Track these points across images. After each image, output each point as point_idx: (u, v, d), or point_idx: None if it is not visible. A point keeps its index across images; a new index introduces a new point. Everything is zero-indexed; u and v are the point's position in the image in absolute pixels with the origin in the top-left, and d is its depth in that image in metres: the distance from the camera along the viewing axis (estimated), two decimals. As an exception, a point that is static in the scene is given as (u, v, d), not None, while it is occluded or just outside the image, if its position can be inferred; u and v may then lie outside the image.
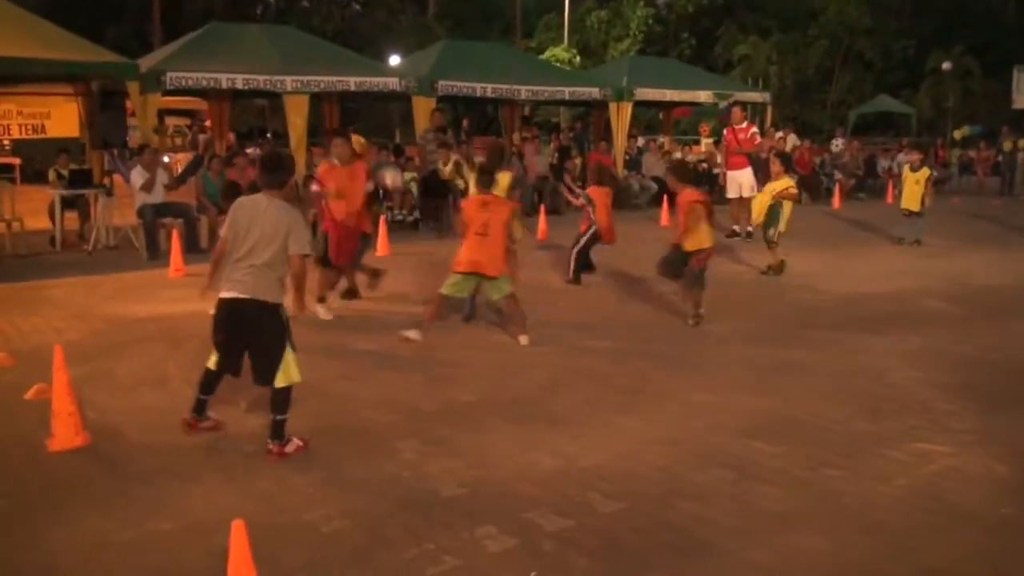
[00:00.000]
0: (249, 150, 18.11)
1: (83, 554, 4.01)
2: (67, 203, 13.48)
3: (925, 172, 13.72)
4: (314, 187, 8.85)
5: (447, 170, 14.24)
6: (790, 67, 48.26)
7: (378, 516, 4.37)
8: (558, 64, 35.04)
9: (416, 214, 15.52)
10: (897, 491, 4.68)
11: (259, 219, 5.05)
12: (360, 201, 8.64)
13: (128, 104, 15.08)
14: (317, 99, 17.61)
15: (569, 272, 10.41)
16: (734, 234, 14.07)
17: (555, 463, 5.00)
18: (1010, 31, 49.22)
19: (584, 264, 10.48)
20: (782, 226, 10.95)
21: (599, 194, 10.34)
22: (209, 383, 5.41)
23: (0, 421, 5.81)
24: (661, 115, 27.19)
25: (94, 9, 35.57)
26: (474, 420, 5.76)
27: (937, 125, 44.58)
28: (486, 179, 8.01)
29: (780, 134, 21.60)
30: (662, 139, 22.93)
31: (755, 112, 23.63)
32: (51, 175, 13.76)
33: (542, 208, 15.56)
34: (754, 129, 15.13)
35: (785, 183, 10.92)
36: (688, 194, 8.44)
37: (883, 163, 23.63)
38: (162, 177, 12.82)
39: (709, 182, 20.65)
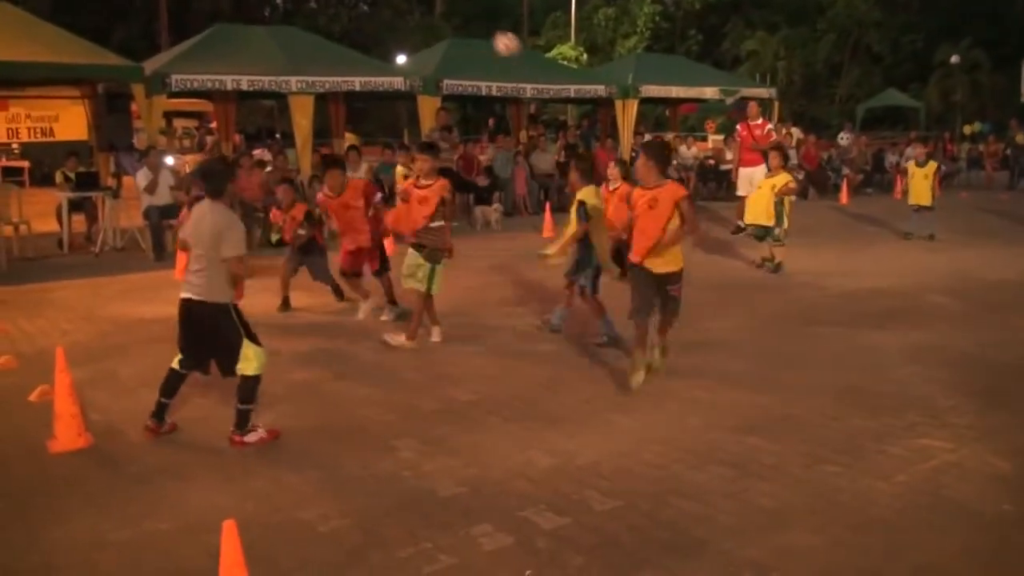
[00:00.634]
0: (256, 151, 18.19)
1: (81, 554, 4.04)
2: (74, 206, 13.57)
3: (932, 166, 13.68)
4: (319, 195, 8.84)
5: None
6: (798, 62, 48.12)
7: (375, 515, 4.39)
8: (565, 62, 35.04)
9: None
10: (895, 487, 4.67)
11: (200, 225, 5.33)
12: (363, 224, 8.51)
13: (134, 106, 15.20)
14: (323, 99, 17.66)
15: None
16: (739, 230, 14.00)
17: (552, 461, 5.01)
18: (1019, 24, 48.96)
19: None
20: (786, 223, 10.94)
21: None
22: (171, 385, 5.54)
23: (3, 423, 5.87)
24: (668, 112, 27.18)
25: (101, 10, 35.70)
26: (472, 419, 5.77)
27: (946, 119, 44.40)
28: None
29: (785, 130, 21.52)
30: (669, 136, 22.89)
31: (763, 108, 23.54)
32: (58, 178, 13.86)
33: (547, 206, 15.54)
34: (770, 126, 15.04)
35: (784, 178, 10.87)
36: (674, 189, 6.31)
37: (891, 158, 23.54)
38: (167, 179, 12.87)
39: (716, 178, 20.66)
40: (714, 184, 20.83)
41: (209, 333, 5.35)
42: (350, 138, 19.18)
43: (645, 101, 21.23)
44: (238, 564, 3.34)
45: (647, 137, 21.72)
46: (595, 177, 9.94)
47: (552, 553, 3.97)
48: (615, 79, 20.20)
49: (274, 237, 12.81)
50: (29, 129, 24.33)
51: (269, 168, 15.34)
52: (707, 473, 4.83)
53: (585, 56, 41.86)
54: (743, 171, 14.03)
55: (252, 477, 4.87)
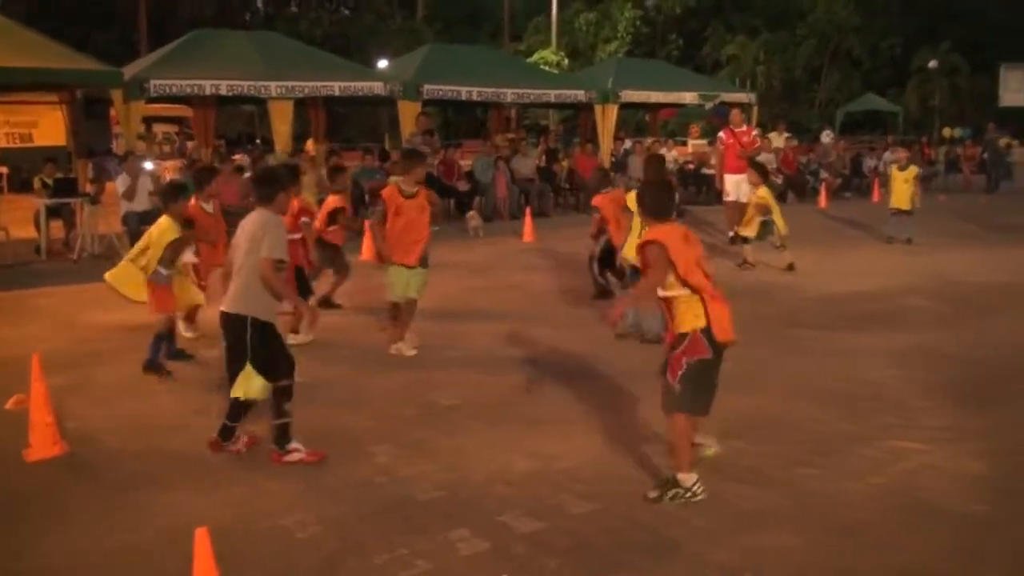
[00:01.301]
0: (236, 157, 18.14)
1: (59, 564, 4.02)
2: (52, 212, 13.47)
3: (913, 170, 13.73)
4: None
5: None
6: (778, 67, 48.50)
7: (352, 521, 4.39)
8: (546, 66, 35.12)
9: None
10: (870, 489, 4.71)
11: (240, 234, 5.16)
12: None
13: (113, 112, 15.15)
14: (303, 105, 17.63)
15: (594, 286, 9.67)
16: (733, 240, 13.96)
17: (531, 465, 5.03)
18: (997, 29, 49.50)
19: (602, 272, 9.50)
20: (782, 228, 11.00)
21: (605, 201, 9.05)
22: (233, 410, 5.25)
23: (-22, 431, 5.82)
24: (648, 117, 27.28)
25: (82, 15, 35.54)
26: (452, 423, 5.78)
27: (924, 123, 44.83)
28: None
29: (774, 133, 21.61)
30: (649, 140, 22.97)
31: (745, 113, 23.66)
32: (36, 184, 13.76)
33: (528, 210, 15.55)
34: (756, 131, 15.08)
35: (763, 193, 10.99)
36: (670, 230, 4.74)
37: (869, 162, 23.69)
38: (146, 184, 12.81)
39: (697, 183, 20.75)
40: (694, 188, 20.92)
41: (230, 346, 5.12)
42: (310, 146, 19.16)
43: (625, 106, 21.29)
44: (210, 571, 3.33)
45: (627, 142, 21.83)
46: (595, 185, 9.87)
47: (527, 557, 3.99)
48: (595, 84, 20.27)
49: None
50: (7, 135, 24.32)
51: (249, 174, 15.31)
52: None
53: (566, 61, 41.95)
54: (729, 177, 14.02)
55: (230, 484, 4.86)
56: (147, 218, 12.60)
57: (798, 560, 3.96)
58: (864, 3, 50.31)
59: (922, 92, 47.48)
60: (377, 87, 16.87)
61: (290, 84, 15.44)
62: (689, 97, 22.06)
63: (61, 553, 4.12)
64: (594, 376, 6.82)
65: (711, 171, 18.20)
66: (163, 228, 7.04)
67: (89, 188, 13.96)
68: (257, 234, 5.02)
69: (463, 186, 17.38)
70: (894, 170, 14.04)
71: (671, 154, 21.39)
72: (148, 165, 13.90)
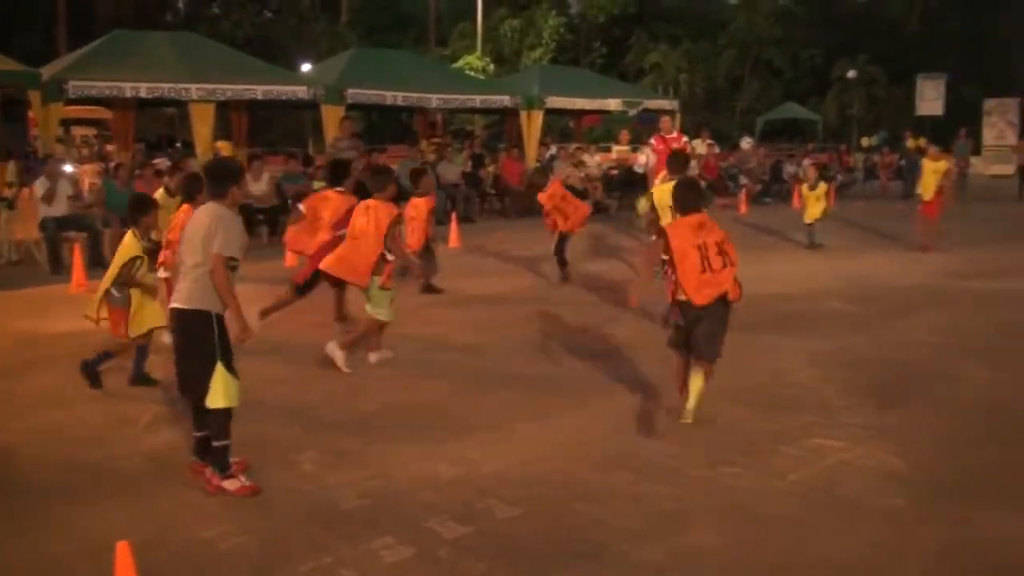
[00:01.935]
0: (157, 161, 17.72)
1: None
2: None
3: (823, 188, 14.05)
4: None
5: None
6: (700, 75, 49.31)
7: (277, 531, 4.30)
8: (472, 72, 35.14)
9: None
10: (791, 486, 4.80)
11: (191, 229, 4.87)
12: None
13: (31, 114, 14.72)
14: (225, 108, 17.34)
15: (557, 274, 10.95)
16: None
17: (457, 471, 5.00)
18: (913, 41, 51.24)
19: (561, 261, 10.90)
20: None
21: (545, 198, 10.72)
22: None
23: None
24: (572, 123, 27.49)
25: (2, 15, 34.42)
26: (377, 430, 5.71)
27: (842, 131, 45.99)
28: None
29: (698, 141, 21.91)
30: (573, 146, 23.15)
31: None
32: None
33: (453, 216, 15.50)
34: (685, 138, 15.28)
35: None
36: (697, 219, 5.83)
37: (789, 168, 24.22)
38: (65, 188, 12.43)
39: (621, 188, 20.92)
40: (619, 193, 21.10)
41: (183, 343, 4.81)
42: (223, 147, 18.87)
43: (550, 112, 21.42)
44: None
45: (552, 149, 21.94)
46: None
47: (453, 562, 3.96)
48: (521, 90, 20.35)
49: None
50: (-80, 138, 23.29)
51: (167, 178, 14.96)
52: (610, 478, 4.88)
53: (492, 66, 42.03)
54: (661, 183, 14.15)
55: (151, 497, 4.72)
56: (65, 224, 12.26)
57: (722, 558, 4.01)
58: (784, 15, 51.57)
59: (841, 101, 48.78)
60: (300, 91, 16.68)
61: (211, 87, 15.17)
62: (613, 104, 22.30)
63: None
64: (519, 381, 6.81)
65: (641, 169, 18.33)
66: (126, 244, 6.57)
67: (7, 192, 13.49)
68: (211, 228, 4.72)
69: (388, 191, 17.21)
70: (805, 190, 14.43)
71: (595, 159, 21.54)
72: (68, 168, 13.52)
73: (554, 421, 5.88)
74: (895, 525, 4.36)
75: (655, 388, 6.57)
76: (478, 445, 5.40)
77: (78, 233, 12.32)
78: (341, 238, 7.49)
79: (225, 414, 4.73)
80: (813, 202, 14.02)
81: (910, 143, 25.12)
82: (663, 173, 11.20)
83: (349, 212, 7.57)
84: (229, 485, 4.70)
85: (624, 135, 22.76)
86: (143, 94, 14.96)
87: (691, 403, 5.70)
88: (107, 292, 6.53)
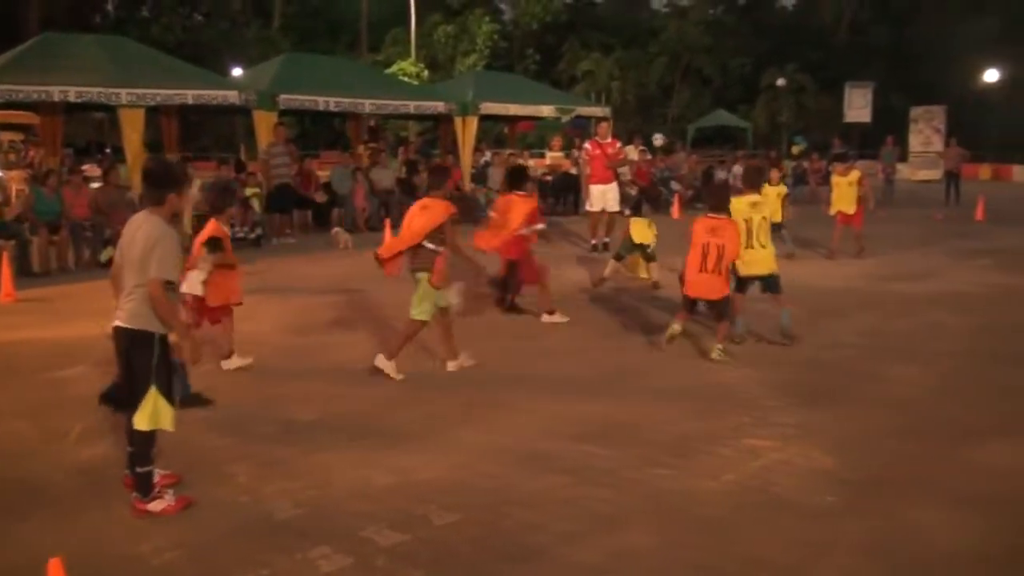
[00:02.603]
0: (85, 167, 17.33)
1: None
2: None
3: (782, 189, 13.79)
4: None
5: None
6: (632, 83, 49.88)
7: (211, 544, 4.23)
8: (405, 78, 35.05)
9: (258, 230, 15.16)
10: (725, 486, 4.88)
11: (130, 240, 4.58)
12: None
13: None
14: (156, 113, 17.02)
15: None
16: (595, 248, 14.13)
17: (392, 479, 4.97)
18: (841, 50, 52.58)
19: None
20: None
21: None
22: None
23: None
24: (507, 129, 27.57)
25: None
26: (311, 440, 5.65)
27: (772, 138, 46.90)
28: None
29: (631, 147, 22.13)
30: (507, 152, 23.22)
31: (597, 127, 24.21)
32: None
33: (387, 222, 15.40)
34: (620, 143, 15.39)
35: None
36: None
37: (720, 175, 24.57)
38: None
39: (555, 193, 21.04)
40: (553, 199, 21.21)
41: (124, 364, 4.56)
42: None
43: (485, 118, 21.45)
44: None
45: (487, 154, 21.97)
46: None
47: (390, 570, 3.95)
48: (455, 96, 20.35)
49: (104, 256, 12.22)
50: None
51: (97, 184, 14.66)
52: (544, 482, 4.91)
53: (426, 72, 41.98)
54: (595, 187, 14.24)
55: (83, 512, 4.61)
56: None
57: (657, 559, 4.06)
58: (714, 24, 52.51)
59: (771, 109, 49.78)
60: (232, 96, 16.42)
61: (141, 91, 14.84)
62: (547, 110, 22.42)
63: None
64: (453, 388, 6.80)
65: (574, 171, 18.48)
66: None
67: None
68: (147, 248, 4.44)
69: (320, 198, 17.11)
70: (767, 187, 13.87)
71: (528, 165, 21.60)
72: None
73: (488, 426, 5.89)
74: (825, 521, 4.47)
75: (586, 391, 6.63)
76: (414, 452, 5.38)
77: (6, 242, 11.97)
78: (523, 236, 8.85)
79: (148, 437, 4.52)
80: (774, 199, 13.05)
81: (795, 150, 25.70)
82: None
83: (532, 213, 8.98)
84: (154, 507, 4.55)
85: (556, 141, 22.88)
86: (72, 98, 14.56)
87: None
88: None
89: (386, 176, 18.31)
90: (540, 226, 9.17)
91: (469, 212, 18.91)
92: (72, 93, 14.44)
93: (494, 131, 36.50)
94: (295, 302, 10.13)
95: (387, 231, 14.71)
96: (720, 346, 7.55)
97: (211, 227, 6.98)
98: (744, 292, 8.24)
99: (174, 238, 4.59)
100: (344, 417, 6.12)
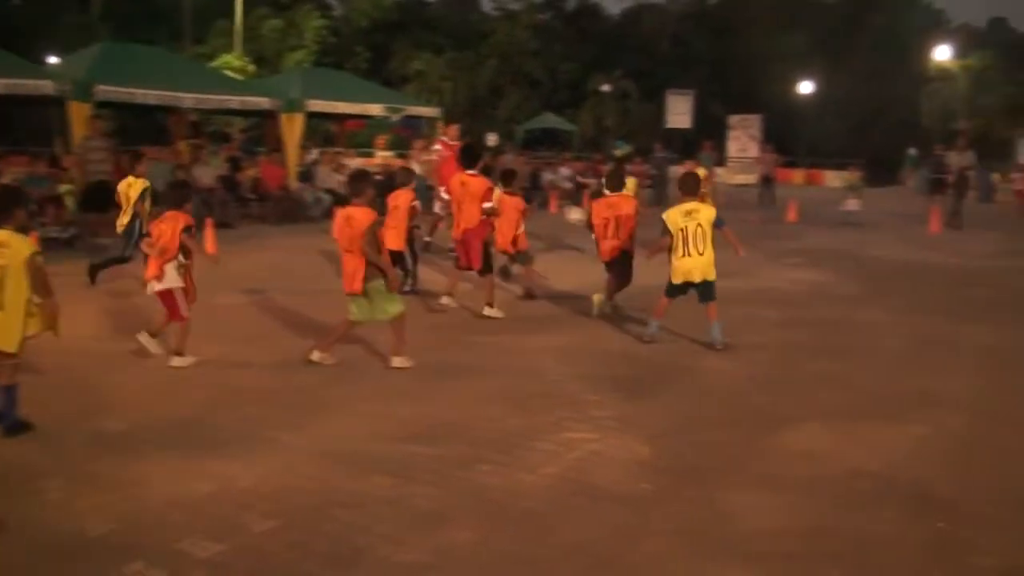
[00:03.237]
0: None
1: None
2: None
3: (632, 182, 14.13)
4: None
5: None
6: (462, 84, 50.19)
7: (17, 565, 4.00)
8: (230, 72, 33.98)
9: (72, 230, 14.36)
10: (544, 479, 5.03)
11: None
12: None
13: None
14: (-37, 102, 15.91)
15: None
16: (427, 247, 14.05)
17: (211, 487, 4.83)
18: (664, 59, 54.73)
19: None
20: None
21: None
22: None
23: None
24: (335, 127, 27.22)
25: None
26: (125, 449, 5.41)
27: (598, 141, 48.24)
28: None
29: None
30: (335, 151, 22.93)
31: (429, 126, 24.26)
32: None
33: (209, 221, 14.86)
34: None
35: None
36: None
37: (547, 176, 25.14)
38: None
39: (382, 193, 20.90)
40: (381, 200, 21.10)
41: None
42: None
43: (312, 116, 21.10)
44: None
45: (315, 153, 21.60)
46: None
47: (207, 582, 3.85)
48: (281, 92, 19.91)
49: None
50: None
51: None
52: (368, 483, 4.91)
53: (252, 67, 40.84)
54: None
55: None
56: None
57: (479, 553, 4.15)
58: (543, 29, 53.56)
59: (596, 113, 51.25)
60: (46, 86, 15.47)
61: (-56, 79, 13.83)
62: (376, 109, 22.27)
63: None
64: (273, 392, 6.68)
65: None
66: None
67: None
68: None
69: (139, 195, 16.37)
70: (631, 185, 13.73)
71: (355, 164, 21.37)
72: None
73: (311, 429, 5.82)
74: (639, 508, 4.68)
75: (411, 391, 6.67)
76: (233, 458, 5.25)
77: None
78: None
79: None
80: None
81: (618, 153, 26.68)
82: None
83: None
84: None
85: (380, 140, 22.72)
86: None
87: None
88: None
89: (208, 173, 17.71)
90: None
91: (295, 212, 18.64)
92: None
93: (322, 129, 35.94)
94: (108, 305, 9.69)
95: (209, 230, 14.21)
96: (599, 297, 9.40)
97: (182, 218, 7.31)
98: (673, 297, 8.31)
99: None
100: (160, 424, 5.89)
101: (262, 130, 23.52)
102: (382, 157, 22.55)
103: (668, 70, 52.50)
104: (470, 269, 9.62)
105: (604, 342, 8.39)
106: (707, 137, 30.10)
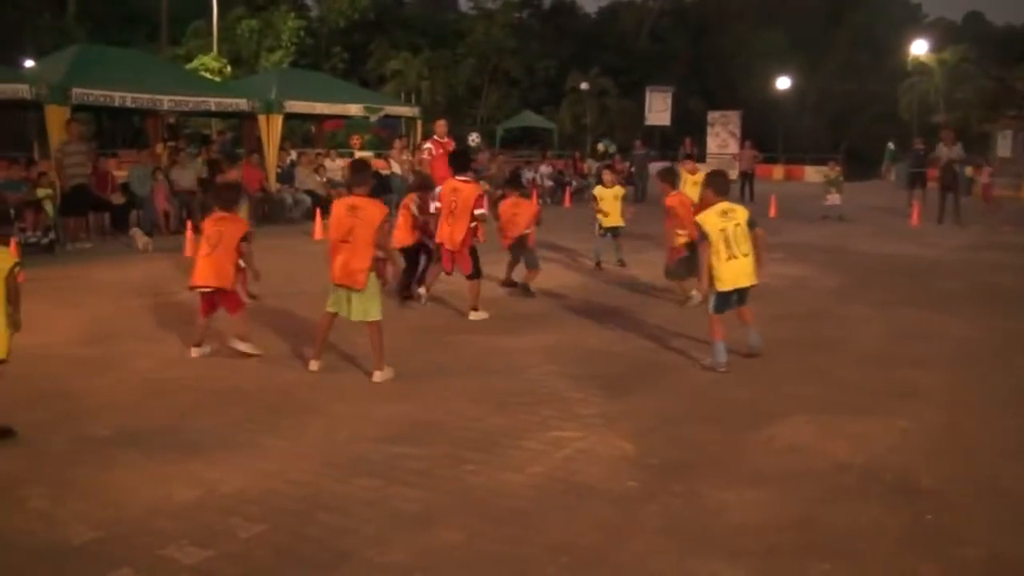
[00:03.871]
0: None
1: None
2: None
3: (619, 191, 13.48)
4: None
5: None
6: (441, 83, 50.14)
7: (3, 574, 3.97)
8: (207, 74, 33.85)
9: (51, 235, 14.23)
10: (530, 478, 5.03)
11: None
12: None
13: None
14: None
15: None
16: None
17: (195, 493, 4.80)
18: (643, 57, 54.93)
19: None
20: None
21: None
22: None
23: None
24: (314, 128, 27.13)
25: None
26: (107, 456, 5.36)
27: (577, 139, 48.34)
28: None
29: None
30: (315, 152, 22.86)
31: (407, 126, 24.24)
32: None
33: (189, 224, 14.79)
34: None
35: None
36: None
37: (527, 174, 25.12)
38: None
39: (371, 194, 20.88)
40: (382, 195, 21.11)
41: None
42: None
43: (291, 117, 21.03)
44: None
45: (293, 154, 21.51)
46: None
47: (193, 587, 3.83)
48: (259, 93, 19.80)
49: None
50: None
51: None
52: (353, 485, 4.89)
53: (229, 68, 40.64)
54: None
55: None
56: None
57: (465, 553, 4.14)
58: (520, 27, 53.59)
59: (575, 111, 51.34)
60: (22, 89, 15.27)
61: (-83, 84, 13.66)
62: (355, 109, 22.24)
63: None
64: (257, 395, 6.64)
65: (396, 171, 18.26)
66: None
67: None
68: None
69: (118, 199, 16.30)
70: (601, 189, 13.53)
71: (336, 163, 21.32)
72: None
73: (295, 433, 5.79)
74: (626, 505, 4.68)
75: (393, 392, 6.66)
76: (216, 463, 5.22)
77: None
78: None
79: None
80: (611, 201, 13.15)
81: (601, 147, 26.82)
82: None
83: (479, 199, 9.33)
84: None
85: (356, 140, 22.65)
86: None
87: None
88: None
89: (187, 176, 17.59)
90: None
91: (275, 213, 18.57)
92: None
93: (301, 130, 35.82)
94: (90, 310, 9.60)
95: (189, 232, 14.14)
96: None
97: (242, 225, 7.70)
98: (724, 311, 7.41)
99: None
100: (143, 430, 5.84)
101: (240, 131, 23.37)
102: (359, 157, 22.47)
103: (646, 67, 52.76)
104: (448, 272, 9.64)
105: (587, 340, 8.40)
106: (686, 133, 30.20)
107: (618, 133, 44.55)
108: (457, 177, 9.52)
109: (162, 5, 44.44)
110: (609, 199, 13.20)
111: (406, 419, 6.03)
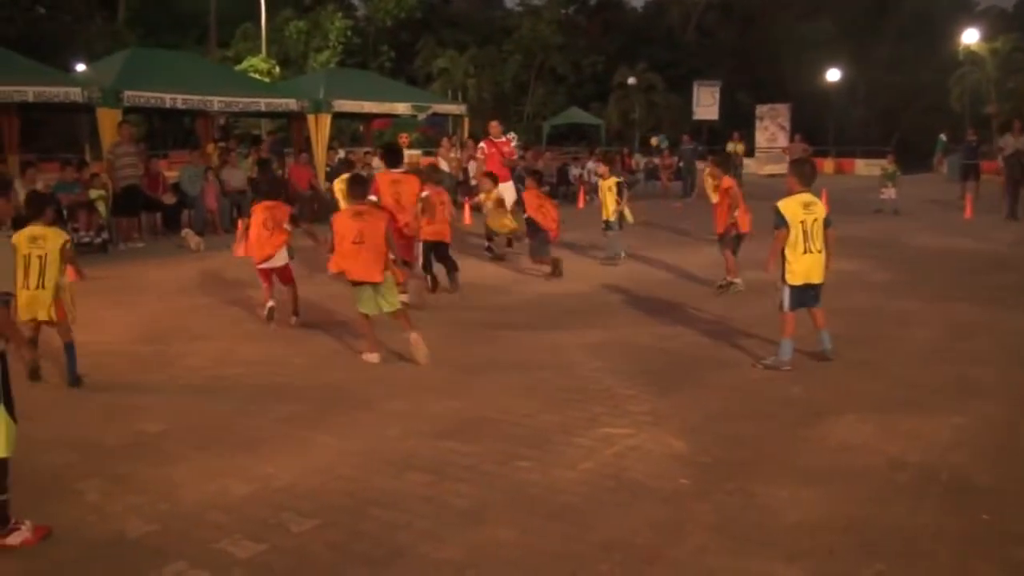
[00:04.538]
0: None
1: None
2: None
3: (612, 182, 13.27)
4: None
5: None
6: (487, 80, 50.25)
7: (59, 568, 4.03)
8: (256, 75, 34.26)
9: (104, 235, 14.51)
10: (581, 475, 5.00)
11: None
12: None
13: None
14: (-5, 110, 16.10)
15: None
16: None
17: (248, 487, 4.85)
18: (690, 51, 54.50)
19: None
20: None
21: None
22: None
23: None
24: (362, 127, 27.30)
25: None
26: (161, 451, 5.44)
27: (625, 135, 48.14)
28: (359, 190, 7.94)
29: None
30: (363, 150, 23.00)
31: (454, 124, 24.31)
32: None
33: (240, 223, 14.95)
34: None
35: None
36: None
37: (575, 171, 25.10)
38: None
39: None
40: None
41: None
42: None
43: (339, 116, 21.19)
44: None
45: (341, 153, 21.66)
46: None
47: (248, 581, 3.86)
48: (307, 93, 19.99)
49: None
50: None
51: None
52: (404, 481, 4.91)
53: (278, 69, 41.12)
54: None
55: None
56: None
57: (517, 550, 4.12)
58: (566, 23, 53.48)
59: (622, 107, 51.13)
60: (74, 93, 15.62)
61: (-22, 89, 13.98)
62: (402, 108, 22.34)
63: None
64: (308, 391, 6.70)
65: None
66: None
67: None
68: None
69: (169, 199, 16.55)
70: (601, 182, 13.67)
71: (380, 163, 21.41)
72: None
73: (346, 428, 5.83)
74: (678, 503, 4.63)
75: (443, 388, 6.68)
76: (268, 459, 5.26)
77: None
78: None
79: (3, 465, 4.20)
80: (605, 192, 13.20)
81: (729, 147, 26.55)
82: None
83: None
84: (13, 540, 4.20)
85: (404, 139, 22.73)
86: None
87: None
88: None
89: (237, 176, 17.82)
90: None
91: (324, 211, 18.67)
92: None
93: (350, 129, 36.12)
94: (143, 309, 9.76)
95: (240, 231, 14.29)
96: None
97: (285, 208, 9.00)
98: (797, 309, 7.18)
99: (6, 248, 4.43)
100: (195, 426, 5.92)
101: (289, 131, 23.62)
102: (409, 155, 22.58)
103: (694, 61, 52.36)
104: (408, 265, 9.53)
105: (636, 336, 8.33)
106: (735, 128, 29.89)
107: (666, 128, 44.25)
108: (392, 171, 9.77)
109: (211, 8, 45.09)
110: (603, 191, 13.33)
111: (456, 415, 6.04)
